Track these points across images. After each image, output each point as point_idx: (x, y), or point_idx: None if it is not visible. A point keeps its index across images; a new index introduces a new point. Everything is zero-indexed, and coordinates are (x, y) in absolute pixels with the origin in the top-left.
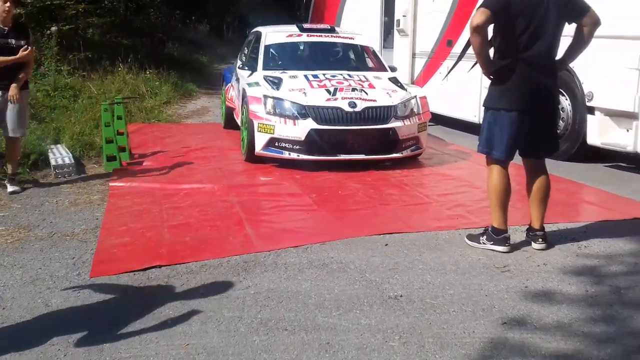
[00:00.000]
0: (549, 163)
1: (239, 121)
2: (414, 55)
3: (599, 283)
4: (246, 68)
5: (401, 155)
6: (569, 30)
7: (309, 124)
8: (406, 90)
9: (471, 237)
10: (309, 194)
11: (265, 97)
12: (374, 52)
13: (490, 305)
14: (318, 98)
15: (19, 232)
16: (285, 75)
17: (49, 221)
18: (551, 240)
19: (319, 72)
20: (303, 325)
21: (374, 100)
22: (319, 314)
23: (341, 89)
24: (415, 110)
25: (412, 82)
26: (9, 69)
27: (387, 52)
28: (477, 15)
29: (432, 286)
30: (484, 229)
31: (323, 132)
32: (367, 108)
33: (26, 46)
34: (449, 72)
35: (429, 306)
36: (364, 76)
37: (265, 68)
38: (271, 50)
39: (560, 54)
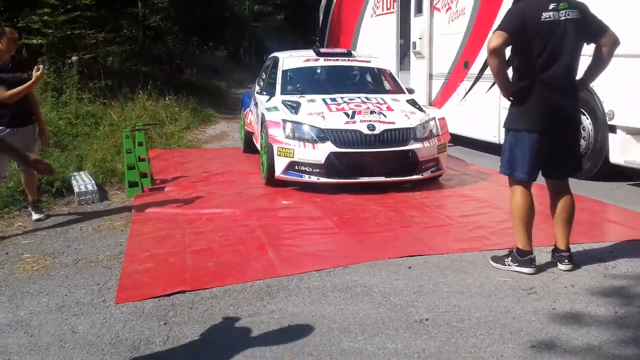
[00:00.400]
0: (572, 182)
1: (258, 145)
2: (430, 76)
3: (628, 304)
4: (264, 93)
5: (421, 176)
6: (588, 50)
7: (328, 147)
8: (425, 112)
9: (496, 259)
10: (330, 217)
11: (284, 121)
12: (391, 75)
13: (518, 328)
14: (337, 121)
15: (45, 259)
16: (304, 100)
17: (73, 248)
18: (577, 261)
19: (336, 96)
20: (328, 351)
21: (393, 123)
22: (344, 338)
23: (359, 112)
24: (434, 131)
25: (430, 104)
26: (24, 104)
27: (404, 74)
28: (494, 38)
29: (457, 309)
30: (508, 250)
31: (342, 155)
32: (386, 130)
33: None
34: (466, 93)
35: (456, 330)
36: (381, 99)
37: (283, 92)
38: (289, 74)
39: (580, 74)
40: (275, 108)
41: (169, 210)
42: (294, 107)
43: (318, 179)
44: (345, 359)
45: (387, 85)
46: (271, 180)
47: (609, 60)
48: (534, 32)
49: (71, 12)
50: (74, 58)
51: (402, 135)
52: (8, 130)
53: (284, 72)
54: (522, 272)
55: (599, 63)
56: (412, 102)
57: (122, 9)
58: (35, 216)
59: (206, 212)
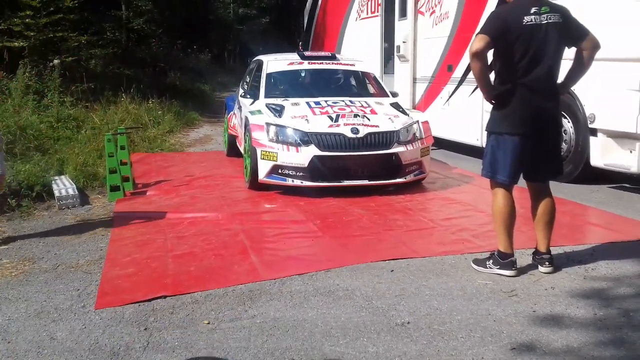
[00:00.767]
0: (553, 185)
1: (242, 149)
2: (414, 80)
3: (608, 306)
4: (248, 96)
5: (404, 180)
6: (569, 53)
7: (312, 151)
8: (408, 116)
9: (477, 262)
10: (313, 221)
11: (268, 124)
12: (375, 78)
13: (498, 330)
14: (320, 125)
15: (24, 265)
16: (287, 103)
17: (53, 253)
18: (558, 263)
19: (320, 99)
20: (310, 355)
21: (376, 126)
22: (326, 342)
23: (343, 116)
24: (417, 135)
25: (414, 107)
26: None
27: (388, 77)
28: (476, 42)
29: (439, 312)
30: (490, 253)
31: (326, 159)
32: (370, 134)
33: None
34: (450, 97)
35: (437, 333)
36: (365, 102)
37: (267, 96)
38: (273, 78)
39: (561, 77)
40: (259, 111)
41: (151, 214)
42: (278, 111)
43: (302, 182)
44: None
45: (371, 89)
46: (255, 184)
47: (590, 64)
48: (516, 35)
49: (53, 14)
50: (56, 61)
51: (386, 138)
52: None
53: (268, 75)
54: (503, 275)
55: (579, 67)
56: (396, 106)
57: (106, 11)
58: None
59: (189, 216)
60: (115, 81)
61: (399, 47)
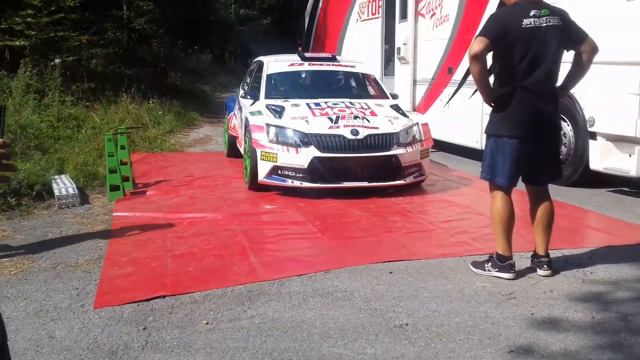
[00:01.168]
0: (552, 188)
1: (241, 150)
2: (415, 82)
3: (606, 310)
4: (249, 97)
5: (404, 182)
6: (568, 56)
7: (312, 152)
8: (408, 118)
9: (476, 264)
10: (312, 222)
11: (268, 125)
12: (375, 80)
13: (496, 333)
14: (320, 126)
15: (23, 264)
16: (288, 104)
17: (52, 252)
18: (556, 266)
19: (321, 101)
20: (308, 356)
21: (376, 128)
22: (324, 343)
23: (343, 117)
24: (417, 137)
25: (414, 109)
26: None
27: (388, 79)
28: (475, 44)
29: (437, 314)
30: (488, 256)
31: (326, 160)
32: (369, 135)
33: None
34: (450, 99)
35: (435, 335)
36: (365, 104)
37: (267, 97)
38: (273, 79)
39: (560, 80)
40: (259, 112)
41: (150, 214)
42: (278, 112)
43: (301, 183)
44: None
45: (371, 91)
46: (254, 185)
47: (589, 67)
48: (515, 38)
49: (55, 14)
50: (57, 60)
51: (385, 140)
52: None
53: (269, 76)
54: (502, 278)
55: (578, 70)
56: (396, 108)
57: (107, 11)
58: None
59: (188, 217)
60: (116, 81)
61: (399, 49)
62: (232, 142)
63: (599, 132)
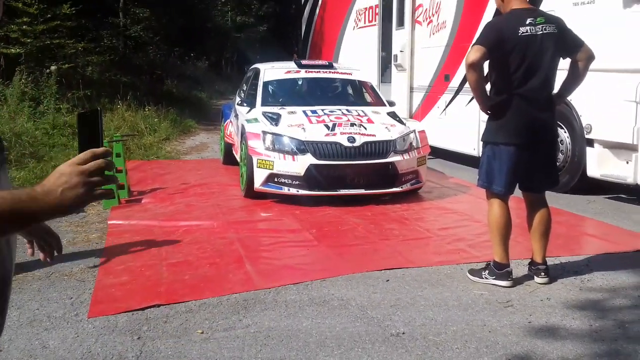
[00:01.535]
0: (549, 195)
1: (238, 157)
2: (411, 89)
3: (603, 317)
4: (245, 104)
5: (401, 189)
6: (564, 64)
7: (308, 160)
8: (405, 125)
9: (473, 272)
10: (308, 230)
11: (264, 133)
12: (372, 87)
13: (494, 341)
14: (317, 133)
15: (17, 272)
16: (284, 111)
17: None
18: (554, 274)
19: (317, 108)
20: None
21: (373, 135)
22: (321, 352)
23: (340, 124)
24: (414, 144)
25: (411, 117)
26: None
27: (385, 86)
28: (472, 52)
29: (434, 323)
30: (485, 263)
31: (322, 168)
32: (366, 143)
33: None
34: (447, 106)
35: (432, 343)
36: (362, 111)
37: (264, 104)
38: (270, 86)
39: (557, 87)
40: (256, 119)
41: (145, 222)
42: (274, 119)
43: (298, 191)
44: None
45: (368, 98)
46: (250, 192)
47: (585, 75)
48: (512, 46)
49: (51, 21)
50: (53, 68)
51: (382, 147)
52: None
53: (265, 83)
54: (499, 285)
55: (574, 77)
56: (393, 115)
57: (103, 18)
58: None
59: (184, 225)
60: (111, 88)
61: (396, 56)
62: (228, 149)
63: (596, 139)
